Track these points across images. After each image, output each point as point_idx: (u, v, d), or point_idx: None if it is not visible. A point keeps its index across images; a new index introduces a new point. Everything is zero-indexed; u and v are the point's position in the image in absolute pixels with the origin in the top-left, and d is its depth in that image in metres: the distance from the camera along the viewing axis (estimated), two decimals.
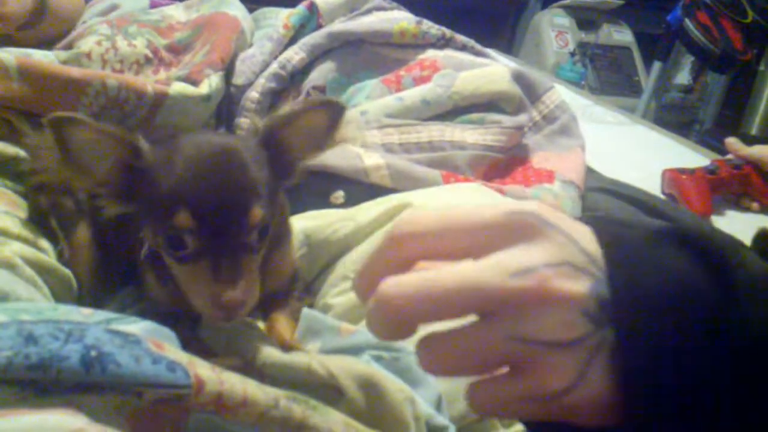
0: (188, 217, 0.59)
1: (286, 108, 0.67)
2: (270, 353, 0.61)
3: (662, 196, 1.26)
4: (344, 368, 0.58)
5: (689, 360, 0.36)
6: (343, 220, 0.88)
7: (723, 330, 0.36)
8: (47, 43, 1.12)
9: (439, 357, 0.39)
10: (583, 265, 0.37)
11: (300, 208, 0.92)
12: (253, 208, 0.60)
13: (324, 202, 0.93)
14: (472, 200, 0.91)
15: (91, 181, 0.63)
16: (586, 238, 0.39)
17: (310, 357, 0.60)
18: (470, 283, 0.36)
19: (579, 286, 0.36)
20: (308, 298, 0.85)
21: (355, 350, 0.68)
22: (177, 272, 0.63)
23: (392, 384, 0.59)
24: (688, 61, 3.37)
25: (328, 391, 0.57)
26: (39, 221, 0.81)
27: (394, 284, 0.37)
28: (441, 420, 0.61)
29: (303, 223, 0.89)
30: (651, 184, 1.27)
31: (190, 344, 0.60)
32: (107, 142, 0.62)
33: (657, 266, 0.38)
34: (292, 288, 0.81)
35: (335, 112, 0.66)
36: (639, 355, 0.36)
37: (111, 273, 0.81)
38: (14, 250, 0.73)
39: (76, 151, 0.61)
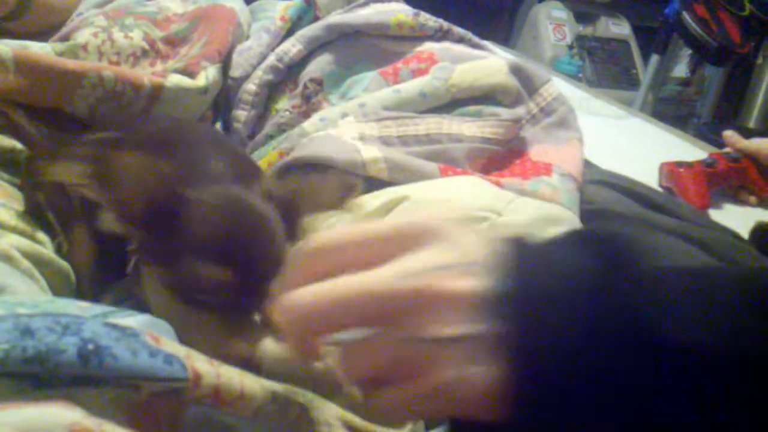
0: (232, 275, 0.60)
1: (303, 183, 0.70)
2: (267, 346, 0.61)
3: (660, 190, 1.26)
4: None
5: (576, 351, 0.37)
6: (338, 214, 0.88)
7: (619, 324, 0.37)
8: (41, 35, 1.12)
9: (351, 364, 0.41)
10: (472, 267, 0.39)
11: None
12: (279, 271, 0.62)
13: None
14: (470, 192, 0.91)
15: (108, 201, 0.63)
16: (476, 244, 0.41)
17: None
18: (366, 288, 0.39)
19: (465, 285, 0.38)
20: None
21: None
22: (178, 308, 0.64)
23: None
24: (685, 54, 3.36)
25: (325, 383, 0.57)
26: (36, 214, 0.81)
27: (297, 294, 0.40)
28: None
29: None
30: (648, 177, 1.27)
31: None
32: (150, 180, 0.62)
33: (547, 264, 0.40)
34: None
35: (351, 186, 0.70)
36: (526, 346, 0.37)
37: (108, 267, 0.81)
38: (10, 242, 0.73)
39: (110, 176, 0.61)
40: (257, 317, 0.76)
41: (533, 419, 0.37)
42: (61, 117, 0.92)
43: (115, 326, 0.41)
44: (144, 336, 0.41)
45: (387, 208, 0.87)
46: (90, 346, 0.39)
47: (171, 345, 0.42)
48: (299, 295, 0.40)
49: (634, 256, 0.40)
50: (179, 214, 0.63)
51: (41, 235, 0.79)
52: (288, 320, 0.40)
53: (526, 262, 0.40)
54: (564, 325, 0.37)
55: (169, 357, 0.40)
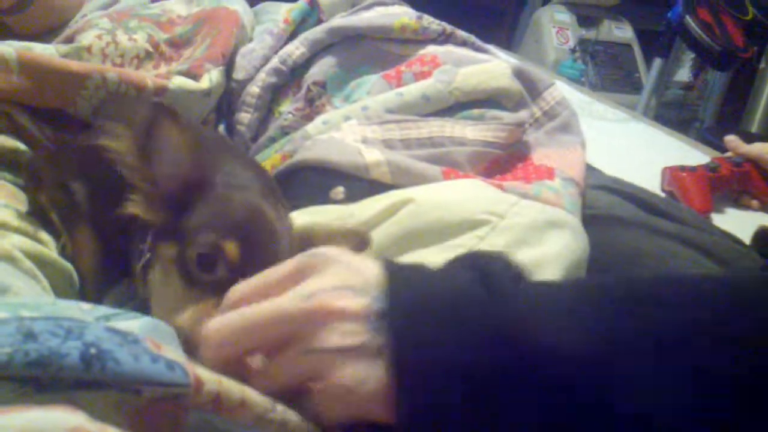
0: (236, 250, 0.62)
1: (318, 230, 0.73)
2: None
3: (662, 194, 1.26)
4: None
5: (455, 358, 0.42)
6: (342, 216, 0.88)
7: (495, 336, 0.42)
8: (43, 35, 1.12)
9: (265, 383, 0.45)
10: (362, 287, 0.45)
11: (300, 203, 0.92)
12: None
13: (324, 198, 0.93)
14: (473, 195, 0.91)
15: (143, 176, 0.65)
16: (368, 269, 0.47)
17: None
18: (270, 311, 0.45)
19: (357, 303, 0.44)
20: None
21: None
22: (176, 289, 0.65)
23: None
24: (688, 58, 3.37)
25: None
26: (40, 215, 0.81)
27: (213, 325, 0.46)
28: None
29: (302, 219, 0.89)
30: (651, 181, 1.27)
31: None
32: (186, 156, 0.65)
33: (432, 284, 0.46)
34: None
35: (365, 242, 0.72)
36: (409, 353, 0.42)
37: (111, 267, 0.81)
38: (13, 242, 0.73)
39: (154, 144, 0.64)
40: None
41: (414, 418, 0.42)
42: (64, 118, 0.92)
43: (116, 331, 0.41)
44: (145, 342, 0.41)
45: (391, 211, 0.87)
46: (92, 350, 0.39)
47: (172, 352, 0.42)
48: (217, 325, 0.46)
49: (511, 281, 0.46)
50: (207, 196, 0.65)
51: (45, 236, 0.79)
52: (206, 348, 0.46)
53: (410, 283, 0.46)
54: (434, 335, 0.42)
55: (171, 362, 0.40)
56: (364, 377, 0.43)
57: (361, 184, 0.94)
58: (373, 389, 0.43)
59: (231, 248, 0.62)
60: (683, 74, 3.44)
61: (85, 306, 0.52)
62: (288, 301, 0.45)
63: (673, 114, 3.31)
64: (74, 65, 0.91)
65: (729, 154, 1.33)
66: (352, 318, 0.44)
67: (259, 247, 0.64)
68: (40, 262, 0.73)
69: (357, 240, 0.71)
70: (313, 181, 0.96)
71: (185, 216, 0.65)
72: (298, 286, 0.46)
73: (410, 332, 0.43)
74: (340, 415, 0.45)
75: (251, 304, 0.47)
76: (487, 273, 0.46)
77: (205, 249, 0.63)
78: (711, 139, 2.43)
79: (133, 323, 0.49)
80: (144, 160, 0.64)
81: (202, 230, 0.64)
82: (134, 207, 0.66)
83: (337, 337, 0.44)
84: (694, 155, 1.49)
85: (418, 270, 0.48)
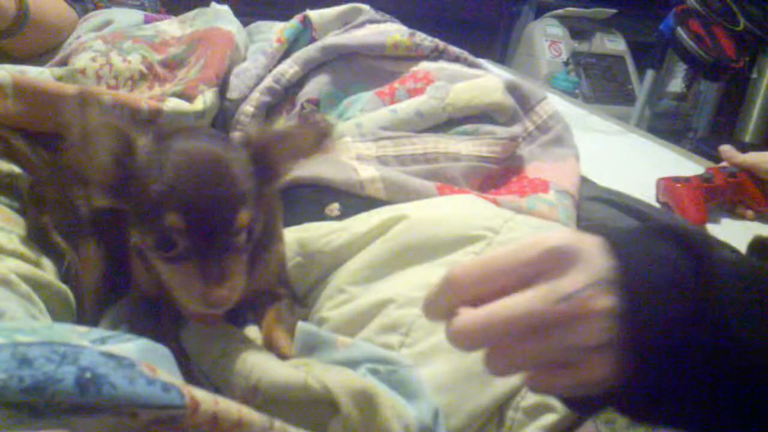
0: (179, 219, 0.61)
1: (278, 125, 0.71)
2: (266, 369, 0.61)
3: (657, 205, 1.26)
4: (340, 383, 0.59)
5: (679, 328, 0.45)
6: (337, 230, 0.89)
7: (703, 306, 0.45)
8: (36, 57, 1.13)
9: (509, 361, 0.48)
10: (607, 284, 0.46)
11: (295, 220, 0.92)
12: (240, 211, 0.63)
13: (319, 215, 0.93)
14: (467, 211, 0.91)
15: (89, 171, 0.65)
16: (600, 249, 0.47)
17: (307, 372, 0.60)
18: (523, 312, 0.46)
19: (608, 302, 0.45)
20: (302, 311, 0.86)
21: (352, 363, 0.68)
22: (164, 271, 0.66)
23: (385, 399, 0.59)
24: (681, 69, 3.37)
25: (323, 406, 0.57)
26: (38, 237, 0.81)
27: (462, 321, 0.47)
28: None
29: (297, 234, 0.89)
30: (645, 192, 1.27)
31: (166, 338, 0.63)
32: (109, 131, 0.64)
33: (653, 256, 0.47)
34: (281, 287, 0.83)
35: (325, 131, 0.69)
36: (650, 344, 0.45)
37: (112, 286, 0.81)
38: (9, 266, 0.73)
39: (86, 133, 0.63)
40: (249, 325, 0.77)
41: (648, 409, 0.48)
42: (60, 141, 0.92)
43: (111, 356, 0.41)
44: (140, 366, 0.41)
45: (385, 227, 0.87)
46: (88, 375, 0.39)
47: (167, 375, 0.42)
48: (466, 323, 0.47)
49: (707, 249, 0.48)
50: (133, 166, 0.64)
51: (43, 260, 0.79)
52: (457, 339, 0.47)
53: (637, 257, 0.47)
54: (672, 307, 0.45)
55: (166, 385, 0.40)
56: (613, 370, 0.46)
57: (356, 200, 0.94)
58: (615, 378, 0.46)
59: (175, 221, 0.61)
60: (676, 85, 3.46)
61: (81, 329, 0.52)
62: (542, 301, 0.46)
63: (667, 125, 3.32)
64: (69, 89, 0.92)
65: (724, 164, 1.33)
66: (605, 316, 0.45)
67: (204, 198, 0.63)
68: (36, 285, 0.73)
69: (317, 132, 0.69)
70: (309, 198, 0.96)
71: (133, 197, 0.65)
72: (546, 284, 0.46)
73: (650, 326, 0.45)
74: (575, 395, 0.49)
75: (481, 294, 0.48)
76: (688, 246, 0.48)
77: (153, 235, 0.63)
78: (705, 149, 2.44)
79: (128, 346, 0.50)
80: (86, 153, 0.65)
81: (143, 215, 0.64)
82: (101, 201, 0.66)
83: (594, 334, 0.46)
84: (688, 166, 1.50)
85: (645, 257, 0.48)
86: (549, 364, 0.48)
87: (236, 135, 1.09)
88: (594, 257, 0.47)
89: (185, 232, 0.62)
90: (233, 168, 0.65)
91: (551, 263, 0.47)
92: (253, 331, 0.77)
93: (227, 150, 0.67)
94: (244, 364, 0.64)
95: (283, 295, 0.82)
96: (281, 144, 0.69)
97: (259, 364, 0.62)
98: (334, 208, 0.94)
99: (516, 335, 0.46)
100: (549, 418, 0.71)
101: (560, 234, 0.48)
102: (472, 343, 0.47)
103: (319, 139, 0.69)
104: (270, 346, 0.72)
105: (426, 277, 0.82)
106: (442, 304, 0.49)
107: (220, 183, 0.63)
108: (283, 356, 0.69)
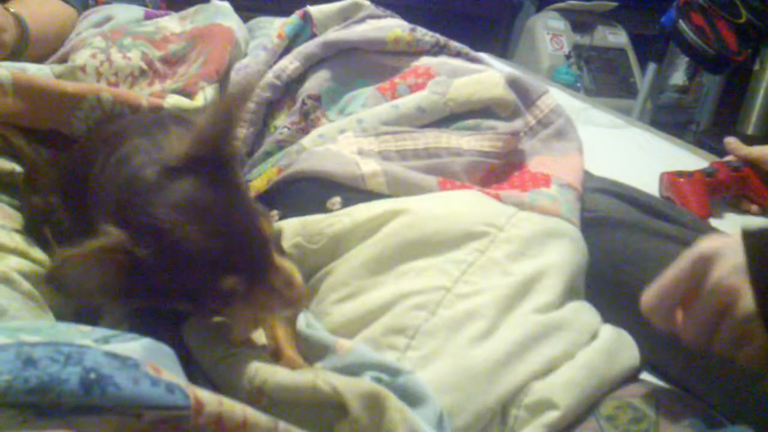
0: (233, 279, 0.61)
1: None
2: (272, 372, 0.61)
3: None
4: (349, 385, 0.58)
5: None
6: (338, 215, 0.89)
7: None
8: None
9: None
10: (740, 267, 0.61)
11: (297, 214, 0.92)
12: (262, 224, 0.64)
13: (321, 209, 0.93)
14: (471, 207, 0.91)
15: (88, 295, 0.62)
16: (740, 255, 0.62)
17: (316, 374, 0.60)
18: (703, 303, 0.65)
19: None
20: (305, 303, 0.86)
21: (353, 370, 0.68)
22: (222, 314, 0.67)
23: (394, 402, 0.59)
24: (683, 61, 3.37)
25: (332, 409, 0.57)
26: (34, 231, 0.81)
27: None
28: None
29: (299, 220, 0.90)
30: (649, 186, 1.27)
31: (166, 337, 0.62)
32: (96, 263, 0.59)
33: None
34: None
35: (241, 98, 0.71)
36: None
37: None
38: (10, 264, 0.73)
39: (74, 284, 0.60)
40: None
41: None
42: (60, 138, 0.92)
43: (116, 356, 0.41)
44: (145, 366, 0.41)
45: (387, 217, 0.87)
46: (92, 375, 0.39)
47: (172, 375, 0.42)
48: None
49: None
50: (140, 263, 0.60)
51: (39, 254, 0.79)
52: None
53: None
54: None
55: (171, 385, 0.40)
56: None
57: (357, 194, 0.94)
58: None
59: (232, 282, 0.61)
60: (678, 78, 3.45)
61: (84, 328, 0.52)
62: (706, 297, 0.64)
63: (669, 117, 3.31)
64: (69, 86, 0.92)
65: (728, 158, 1.33)
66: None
67: (238, 243, 0.61)
68: (38, 281, 0.73)
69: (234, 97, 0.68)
70: (310, 191, 0.96)
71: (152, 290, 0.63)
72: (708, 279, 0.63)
73: None
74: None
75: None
76: None
77: (208, 300, 0.63)
78: (707, 142, 2.43)
79: (133, 345, 0.49)
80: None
81: (186, 292, 0.62)
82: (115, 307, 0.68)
83: (746, 305, 0.60)
84: (691, 160, 1.49)
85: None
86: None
87: (238, 132, 1.09)
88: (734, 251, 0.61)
89: (240, 283, 0.61)
90: (230, 200, 0.64)
91: (702, 264, 0.63)
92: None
93: (197, 181, 0.63)
94: (248, 365, 0.64)
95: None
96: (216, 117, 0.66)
97: (265, 366, 0.62)
98: (336, 202, 0.94)
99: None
100: (551, 415, 0.71)
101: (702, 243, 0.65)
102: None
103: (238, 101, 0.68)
104: (277, 355, 0.72)
105: (431, 278, 0.82)
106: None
107: (231, 217, 0.62)
108: (293, 361, 0.69)
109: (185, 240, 0.59)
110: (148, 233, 0.60)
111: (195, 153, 0.63)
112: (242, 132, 1.10)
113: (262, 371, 0.62)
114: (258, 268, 0.63)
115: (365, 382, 0.60)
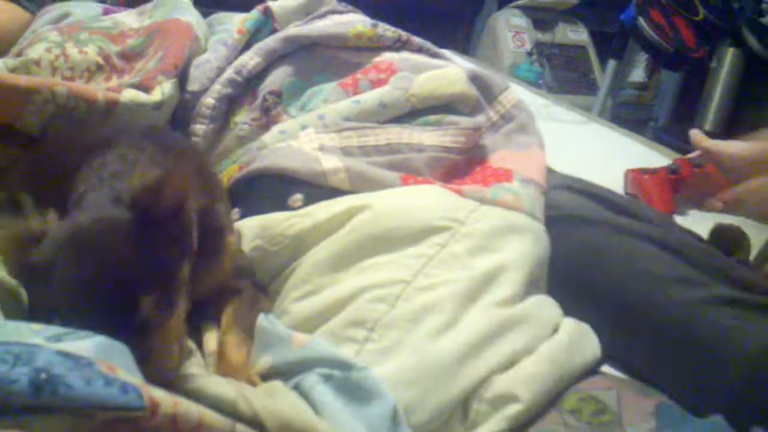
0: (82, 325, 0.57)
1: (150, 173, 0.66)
2: (198, 382, 0.60)
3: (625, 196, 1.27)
4: (271, 410, 0.57)
5: None
6: (298, 215, 0.88)
7: None
8: None
9: None
10: None
11: (258, 211, 0.91)
12: (141, 301, 0.59)
13: (282, 206, 0.93)
14: (432, 202, 0.91)
15: None
16: None
17: (238, 393, 0.59)
18: None
19: None
20: (267, 301, 0.85)
21: (304, 365, 0.67)
22: None
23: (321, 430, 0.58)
24: (642, 58, 3.41)
25: (253, 426, 0.56)
26: None
27: None
28: None
29: (259, 220, 0.89)
30: (610, 183, 1.28)
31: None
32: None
33: None
34: (241, 281, 0.82)
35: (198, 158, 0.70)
36: None
37: None
38: None
39: None
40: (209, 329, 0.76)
41: None
42: (12, 132, 0.90)
43: (68, 355, 0.40)
44: (99, 365, 0.40)
45: (348, 214, 0.87)
46: (43, 376, 0.38)
47: (126, 374, 0.41)
48: None
49: None
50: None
51: None
52: None
53: None
54: None
55: (125, 386, 0.39)
56: None
57: (319, 191, 0.93)
58: None
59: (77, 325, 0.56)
60: (637, 75, 3.49)
61: (36, 326, 0.50)
62: None
63: (629, 114, 3.35)
64: (22, 80, 0.90)
65: (691, 155, 1.34)
66: None
67: (98, 310, 0.58)
68: None
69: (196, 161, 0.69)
70: (272, 189, 0.95)
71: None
72: None
73: None
74: None
75: None
76: None
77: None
78: (666, 138, 2.47)
79: (86, 343, 0.48)
80: None
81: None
82: None
83: None
84: (651, 156, 1.51)
85: None
86: None
87: (198, 128, 1.07)
88: None
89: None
90: (119, 255, 0.61)
91: None
92: (213, 329, 0.76)
93: (110, 233, 0.63)
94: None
95: (243, 289, 0.80)
96: (168, 187, 0.64)
97: (194, 368, 0.62)
98: (297, 199, 0.93)
99: None
100: (513, 408, 0.71)
101: None
102: None
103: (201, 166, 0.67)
104: (221, 358, 0.71)
105: (391, 271, 0.81)
106: None
107: (107, 286, 0.59)
108: (233, 370, 0.68)
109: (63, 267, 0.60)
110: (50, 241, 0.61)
111: (141, 202, 0.63)
112: (202, 128, 1.08)
113: (189, 370, 0.61)
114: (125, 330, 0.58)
115: (290, 409, 0.59)
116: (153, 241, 0.63)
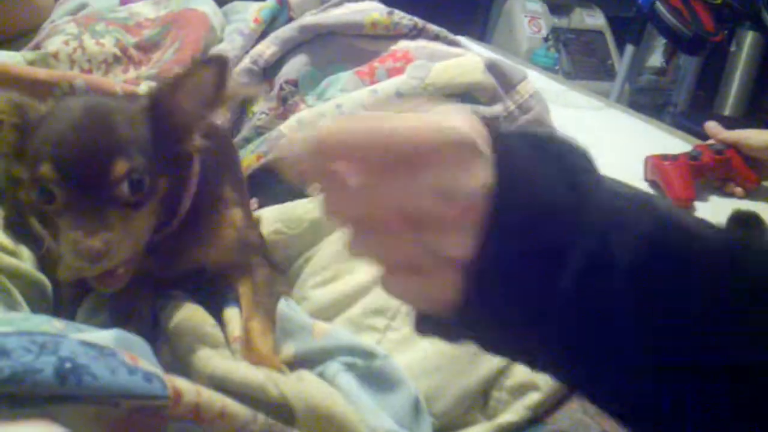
0: (51, 168, 0.61)
1: (172, 73, 0.70)
2: (223, 366, 0.60)
3: (644, 183, 1.26)
4: (300, 393, 0.58)
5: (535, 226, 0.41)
6: (316, 200, 0.88)
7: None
8: (14, 41, 1.11)
9: (349, 204, 0.45)
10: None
11: (276, 200, 0.92)
12: (116, 160, 0.63)
13: (301, 195, 0.93)
14: None
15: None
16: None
17: (267, 377, 0.59)
18: (401, 129, 0.40)
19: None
20: (284, 279, 0.85)
21: (326, 354, 0.68)
22: (52, 230, 0.66)
23: (349, 415, 0.58)
24: (660, 43, 3.38)
25: (280, 411, 0.56)
26: (16, 223, 0.79)
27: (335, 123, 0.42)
28: None
29: (279, 208, 0.90)
30: (631, 170, 1.27)
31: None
32: (6, 104, 0.66)
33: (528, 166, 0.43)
34: (252, 257, 0.81)
35: (220, 67, 0.68)
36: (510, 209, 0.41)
37: None
38: None
39: None
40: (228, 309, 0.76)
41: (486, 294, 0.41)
42: None
43: (92, 345, 0.41)
44: (122, 355, 0.41)
45: None
46: (68, 365, 0.38)
47: (148, 365, 0.41)
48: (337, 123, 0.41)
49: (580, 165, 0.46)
50: (31, 130, 0.65)
51: (20, 248, 0.78)
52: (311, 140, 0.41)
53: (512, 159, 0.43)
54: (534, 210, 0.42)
55: (148, 375, 0.40)
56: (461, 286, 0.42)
57: None
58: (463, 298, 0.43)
59: (47, 171, 0.61)
60: (655, 60, 3.46)
61: (58, 323, 0.51)
62: (429, 194, 0.42)
63: (647, 99, 3.33)
64: (41, 73, 0.90)
65: (711, 141, 1.33)
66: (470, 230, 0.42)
67: (74, 147, 0.63)
68: (12, 274, 0.72)
69: (216, 65, 0.68)
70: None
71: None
72: (437, 172, 0.42)
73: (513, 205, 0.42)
74: (423, 308, 0.45)
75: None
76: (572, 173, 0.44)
77: (34, 188, 0.63)
78: (685, 123, 2.45)
79: (104, 335, 0.49)
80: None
81: (28, 171, 0.64)
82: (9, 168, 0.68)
83: (457, 245, 0.41)
84: (670, 141, 1.49)
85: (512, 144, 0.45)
86: (407, 263, 0.43)
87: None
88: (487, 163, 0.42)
89: (59, 182, 0.62)
90: (111, 117, 0.66)
91: (448, 153, 0.41)
92: (234, 313, 0.76)
93: (111, 102, 0.69)
94: (203, 351, 0.64)
95: (255, 266, 0.81)
96: (180, 91, 0.68)
97: (218, 355, 0.62)
98: (316, 188, 0.93)
99: (381, 157, 0.41)
100: (533, 397, 0.71)
101: (465, 123, 0.43)
102: (326, 145, 0.42)
103: (218, 74, 0.68)
104: (249, 346, 0.71)
105: None
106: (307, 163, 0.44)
107: (92, 132, 0.64)
108: (261, 358, 0.69)
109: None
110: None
111: (157, 90, 0.69)
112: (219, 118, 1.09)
113: (213, 360, 0.62)
114: (80, 186, 0.62)
115: (319, 393, 0.60)
116: (152, 125, 0.67)
